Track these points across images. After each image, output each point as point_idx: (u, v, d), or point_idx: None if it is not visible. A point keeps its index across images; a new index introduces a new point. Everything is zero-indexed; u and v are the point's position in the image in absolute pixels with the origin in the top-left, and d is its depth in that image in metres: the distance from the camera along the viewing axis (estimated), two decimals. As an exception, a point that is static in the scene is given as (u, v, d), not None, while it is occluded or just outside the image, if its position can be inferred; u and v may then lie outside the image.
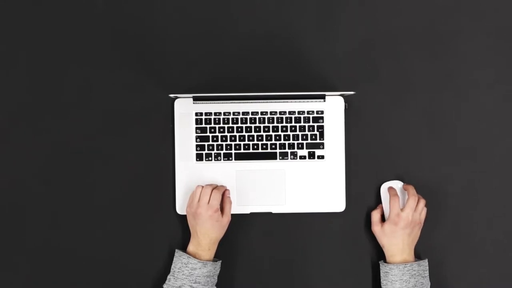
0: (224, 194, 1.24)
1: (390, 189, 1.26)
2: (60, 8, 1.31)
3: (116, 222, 1.29)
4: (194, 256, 1.19)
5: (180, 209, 1.28)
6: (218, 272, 1.22)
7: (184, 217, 1.26)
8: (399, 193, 1.26)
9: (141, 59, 1.30)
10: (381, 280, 1.23)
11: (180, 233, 1.28)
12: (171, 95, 1.24)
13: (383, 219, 1.26)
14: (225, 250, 1.24)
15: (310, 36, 1.31)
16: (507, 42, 1.31)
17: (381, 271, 1.23)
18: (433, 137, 1.30)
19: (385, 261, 1.24)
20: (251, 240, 1.29)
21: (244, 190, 1.28)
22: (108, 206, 1.29)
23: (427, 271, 1.22)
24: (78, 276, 1.29)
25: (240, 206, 1.28)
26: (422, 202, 1.23)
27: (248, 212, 1.28)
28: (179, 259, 1.19)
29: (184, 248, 1.23)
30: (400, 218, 1.20)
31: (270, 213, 1.29)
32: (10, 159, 1.29)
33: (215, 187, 1.22)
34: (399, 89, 1.31)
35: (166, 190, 1.29)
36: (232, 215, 1.24)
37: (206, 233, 1.19)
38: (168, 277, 1.20)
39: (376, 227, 1.24)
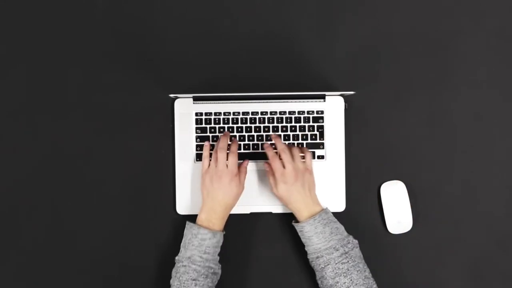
0: (242, 164, 1.23)
1: (267, 149, 1.22)
2: (60, 8, 1.31)
3: (116, 222, 1.29)
4: (207, 225, 1.18)
5: (180, 209, 1.28)
6: (221, 242, 1.21)
7: (184, 217, 1.26)
8: (396, 197, 1.26)
9: (141, 59, 1.30)
10: (301, 239, 1.22)
11: (180, 233, 1.28)
12: (171, 95, 1.24)
13: None
14: (225, 250, 1.24)
15: (310, 36, 1.31)
16: (507, 42, 1.31)
17: (298, 232, 1.22)
18: (433, 137, 1.30)
19: (296, 220, 1.24)
20: (251, 240, 1.29)
21: (244, 190, 1.28)
22: (108, 206, 1.29)
23: (333, 216, 1.21)
24: (78, 276, 1.29)
25: (240, 206, 1.27)
26: (294, 150, 1.21)
27: (248, 212, 1.28)
28: (190, 230, 1.19)
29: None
30: (285, 177, 1.19)
31: (270, 213, 1.29)
32: (10, 159, 1.29)
33: (231, 151, 1.21)
34: (399, 89, 1.31)
35: (166, 190, 1.29)
36: (232, 215, 1.24)
37: (223, 199, 1.19)
38: (180, 249, 1.19)
39: (274, 191, 1.22)
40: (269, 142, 1.25)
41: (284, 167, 1.20)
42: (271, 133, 1.27)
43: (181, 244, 1.20)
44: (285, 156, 1.19)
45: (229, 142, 1.24)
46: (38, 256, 1.29)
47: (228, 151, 1.21)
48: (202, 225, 1.18)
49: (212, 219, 1.19)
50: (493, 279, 1.30)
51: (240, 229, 1.28)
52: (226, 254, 1.25)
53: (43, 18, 1.31)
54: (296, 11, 1.31)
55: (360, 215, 1.29)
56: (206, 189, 1.21)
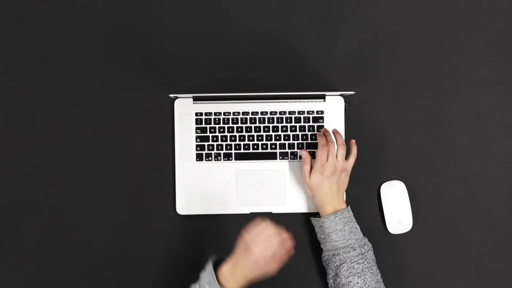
0: (288, 249, 1.14)
1: (320, 137, 1.23)
2: (60, 8, 1.31)
3: (116, 222, 1.29)
4: (221, 279, 1.09)
5: (180, 209, 1.28)
6: None
7: (184, 217, 1.26)
8: (396, 196, 1.26)
9: (141, 59, 1.30)
10: (318, 235, 1.22)
11: (180, 233, 1.28)
12: (171, 95, 1.24)
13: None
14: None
15: (310, 36, 1.31)
16: (507, 42, 1.31)
17: (315, 227, 1.23)
18: (433, 137, 1.30)
19: (316, 216, 1.23)
20: (251, 240, 1.29)
21: (244, 190, 1.28)
22: (108, 206, 1.29)
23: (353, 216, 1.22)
24: (78, 276, 1.29)
25: (240, 206, 1.28)
26: (342, 148, 1.21)
27: (248, 212, 1.28)
28: (206, 274, 1.09)
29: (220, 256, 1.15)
30: (324, 168, 1.20)
31: (270, 213, 1.29)
32: (10, 159, 1.29)
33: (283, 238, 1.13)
34: (399, 89, 1.31)
35: (166, 190, 1.29)
36: (232, 215, 1.24)
37: (253, 273, 1.09)
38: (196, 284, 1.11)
39: (306, 179, 1.23)
40: (324, 131, 1.25)
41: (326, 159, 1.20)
42: (333, 128, 1.26)
43: (198, 281, 1.11)
44: (332, 149, 1.21)
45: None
46: (38, 256, 1.29)
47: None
48: (221, 277, 1.09)
49: (231, 279, 1.09)
50: (493, 279, 1.29)
51: (240, 229, 1.28)
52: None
53: (43, 18, 1.30)
54: (296, 11, 1.31)
55: (360, 215, 1.29)
56: (245, 249, 1.10)
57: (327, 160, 1.20)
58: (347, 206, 1.22)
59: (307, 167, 1.23)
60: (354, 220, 1.21)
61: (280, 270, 1.12)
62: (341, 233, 1.18)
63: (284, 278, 1.29)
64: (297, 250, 1.29)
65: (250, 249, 1.09)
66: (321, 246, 1.22)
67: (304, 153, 1.24)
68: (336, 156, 1.21)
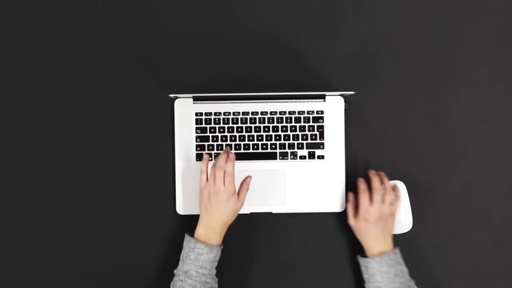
0: (245, 181, 1.22)
1: (360, 182, 1.24)
2: (60, 8, 1.31)
3: (116, 222, 1.29)
4: (204, 240, 1.18)
5: (180, 209, 1.28)
6: (219, 256, 1.21)
7: (184, 217, 1.26)
8: (403, 197, 1.26)
9: (141, 59, 1.30)
10: (363, 274, 1.22)
11: (180, 233, 1.28)
12: (171, 95, 1.24)
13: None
14: (225, 250, 1.24)
15: (310, 36, 1.31)
16: (507, 42, 1.31)
17: (360, 266, 1.23)
18: (433, 137, 1.30)
19: (363, 254, 1.24)
20: (251, 240, 1.29)
21: (244, 190, 1.28)
22: (108, 206, 1.29)
23: (402, 258, 1.21)
24: (78, 276, 1.29)
25: (240, 206, 1.28)
26: (389, 194, 1.22)
27: (248, 212, 1.28)
28: (187, 244, 1.18)
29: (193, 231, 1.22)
30: (369, 214, 1.20)
31: (270, 213, 1.29)
32: (10, 159, 1.29)
33: (227, 171, 1.19)
34: (399, 89, 1.31)
35: (166, 190, 1.29)
36: (232, 215, 1.24)
37: (220, 216, 1.18)
38: (179, 262, 1.19)
39: (351, 222, 1.23)
40: (372, 175, 1.25)
41: (370, 204, 1.20)
42: (373, 172, 1.25)
43: (180, 256, 1.19)
44: (377, 195, 1.20)
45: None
46: (37, 256, 1.29)
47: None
48: (200, 240, 1.18)
49: (209, 234, 1.19)
50: (493, 279, 1.30)
51: (240, 229, 1.28)
52: (226, 254, 1.25)
53: (43, 18, 1.30)
54: (296, 11, 1.31)
55: (360, 215, 1.29)
56: (203, 205, 1.20)
57: (372, 206, 1.20)
58: (395, 247, 1.21)
59: (351, 209, 1.24)
60: (401, 262, 1.20)
61: (246, 200, 1.20)
62: (386, 275, 1.18)
63: (284, 278, 1.29)
64: (298, 250, 1.30)
65: (212, 201, 1.17)
66: (365, 285, 1.22)
67: (351, 195, 1.25)
68: (383, 201, 1.21)
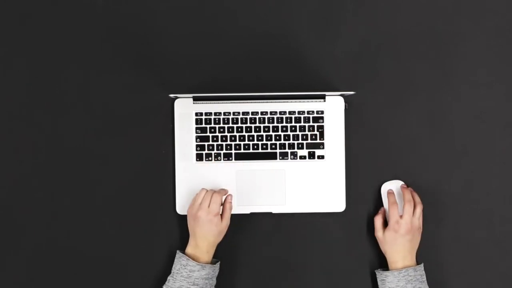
0: (226, 200, 1.23)
1: (390, 195, 1.25)
2: (60, 8, 1.30)
3: (116, 222, 1.29)
4: (193, 258, 1.19)
5: (180, 209, 1.28)
6: (217, 274, 1.21)
7: (184, 217, 1.26)
8: (397, 196, 1.26)
9: (141, 59, 1.30)
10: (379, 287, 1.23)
11: (180, 233, 1.28)
12: (171, 95, 1.24)
13: (386, 223, 1.25)
14: (225, 251, 1.24)
15: (310, 36, 1.31)
16: (507, 42, 1.31)
17: (378, 280, 1.23)
18: (433, 137, 1.30)
19: (383, 268, 1.24)
20: (251, 240, 1.29)
21: (244, 190, 1.28)
22: (108, 206, 1.29)
23: (424, 276, 1.22)
24: (78, 276, 1.29)
25: (240, 206, 1.28)
26: (419, 207, 1.22)
27: (248, 212, 1.28)
28: (179, 260, 1.19)
29: (184, 249, 1.23)
30: (399, 226, 1.20)
31: (270, 213, 1.29)
32: (10, 159, 1.29)
33: (217, 191, 1.22)
34: (399, 89, 1.31)
35: (166, 190, 1.29)
36: (232, 215, 1.24)
37: (205, 236, 1.19)
38: (168, 278, 1.20)
39: (379, 233, 1.24)
40: (404, 186, 1.27)
41: (401, 216, 1.21)
42: (404, 187, 1.27)
43: (170, 274, 1.20)
44: (408, 208, 1.21)
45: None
46: (37, 256, 1.29)
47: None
48: (191, 257, 1.19)
49: (197, 253, 1.19)
50: (493, 279, 1.29)
51: (240, 229, 1.28)
52: (226, 254, 1.25)
53: (43, 18, 1.30)
54: (296, 11, 1.31)
55: (360, 215, 1.29)
56: (189, 225, 1.21)
57: (403, 218, 1.20)
58: (418, 264, 1.22)
59: (379, 221, 1.24)
60: (421, 280, 1.20)
61: (231, 225, 1.22)
62: None
63: (284, 278, 1.29)
64: (298, 250, 1.30)
65: (196, 221, 1.18)
66: None
67: (382, 209, 1.26)
68: (414, 214, 1.21)
